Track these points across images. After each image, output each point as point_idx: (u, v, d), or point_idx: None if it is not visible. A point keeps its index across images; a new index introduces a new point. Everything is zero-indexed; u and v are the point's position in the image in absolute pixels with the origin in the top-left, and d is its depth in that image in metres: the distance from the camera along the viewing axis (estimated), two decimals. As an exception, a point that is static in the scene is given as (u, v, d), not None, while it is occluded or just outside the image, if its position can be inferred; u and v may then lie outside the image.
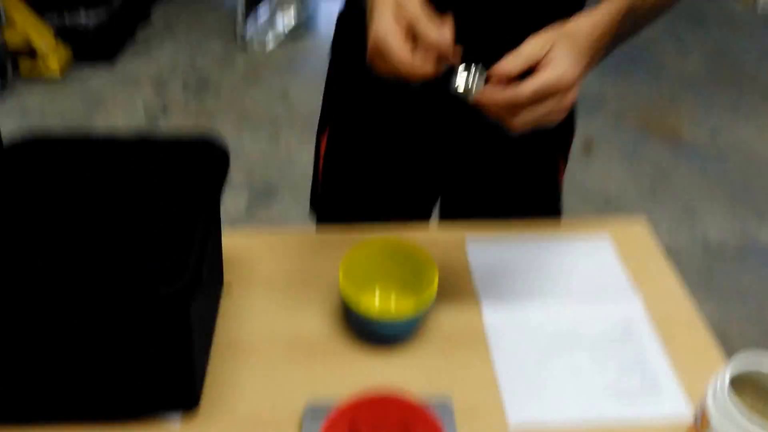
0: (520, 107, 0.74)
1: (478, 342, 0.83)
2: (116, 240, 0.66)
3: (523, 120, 0.75)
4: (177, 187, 0.73)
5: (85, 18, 3.12)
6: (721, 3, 4.22)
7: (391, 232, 0.96)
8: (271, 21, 3.49)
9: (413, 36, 0.75)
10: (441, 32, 0.75)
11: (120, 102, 2.92)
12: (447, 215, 1.22)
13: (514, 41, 0.77)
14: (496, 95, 0.74)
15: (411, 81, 0.75)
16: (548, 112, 0.75)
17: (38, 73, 2.98)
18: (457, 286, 0.91)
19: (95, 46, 3.19)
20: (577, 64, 0.78)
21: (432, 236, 1.01)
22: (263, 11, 3.45)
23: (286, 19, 3.50)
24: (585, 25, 0.83)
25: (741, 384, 0.66)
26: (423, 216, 1.22)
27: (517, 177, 1.13)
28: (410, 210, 1.18)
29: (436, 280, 0.81)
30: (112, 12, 3.24)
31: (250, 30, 3.44)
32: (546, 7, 0.94)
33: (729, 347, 0.85)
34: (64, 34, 3.12)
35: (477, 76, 0.75)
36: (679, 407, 0.76)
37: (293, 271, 0.92)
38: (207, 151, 0.78)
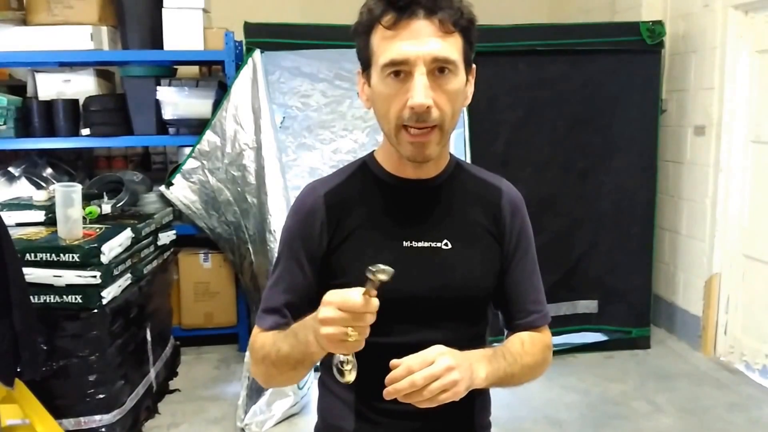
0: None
1: None
2: None
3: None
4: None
5: (99, 421, 3.44)
6: (687, 356, 4.58)
7: None
8: (269, 405, 3.80)
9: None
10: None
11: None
12: None
13: None
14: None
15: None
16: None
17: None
18: None
19: (104, 446, 3.43)
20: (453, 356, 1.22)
21: None
22: (263, 399, 3.78)
23: (284, 404, 3.81)
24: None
25: None
26: None
27: None
28: None
29: None
30: (124, 412, 3.56)
31: (249, 415, 3.72)
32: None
33: None
34: (77, 437, 3.38)
35: None
36: None
37: None
38: None
